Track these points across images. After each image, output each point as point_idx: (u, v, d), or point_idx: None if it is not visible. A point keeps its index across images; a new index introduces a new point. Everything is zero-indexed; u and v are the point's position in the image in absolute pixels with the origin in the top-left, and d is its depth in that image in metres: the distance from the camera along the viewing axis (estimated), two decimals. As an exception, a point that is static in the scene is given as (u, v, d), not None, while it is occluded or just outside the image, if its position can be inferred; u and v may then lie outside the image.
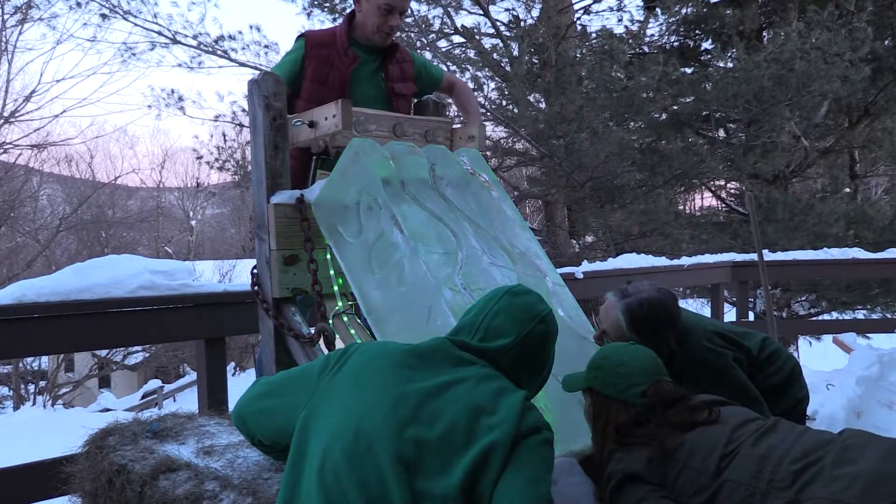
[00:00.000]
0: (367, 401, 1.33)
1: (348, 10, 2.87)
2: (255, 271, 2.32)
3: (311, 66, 2.71)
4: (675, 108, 9.05)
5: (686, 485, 1.49)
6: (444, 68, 9.76)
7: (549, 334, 1.57)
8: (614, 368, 1.71)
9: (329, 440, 1.29)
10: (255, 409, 1.56)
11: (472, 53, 10.14)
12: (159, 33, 10.02)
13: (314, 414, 1.38)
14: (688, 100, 8.82)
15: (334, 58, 2.74)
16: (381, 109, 2.67)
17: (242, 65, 10.11)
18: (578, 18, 10.66)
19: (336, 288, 2.27)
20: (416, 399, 1.32)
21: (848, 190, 10.09)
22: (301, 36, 2.81)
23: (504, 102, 9.67)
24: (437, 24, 10.08)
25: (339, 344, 2.14)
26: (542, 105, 9.76)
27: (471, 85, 9.38)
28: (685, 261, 5.82)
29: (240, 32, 10.21)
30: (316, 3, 9.76)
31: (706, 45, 10.28)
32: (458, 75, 9.83)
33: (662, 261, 5.78)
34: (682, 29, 10.28)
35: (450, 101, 3.26)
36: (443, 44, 10.34)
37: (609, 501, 1.56)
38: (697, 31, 10.27)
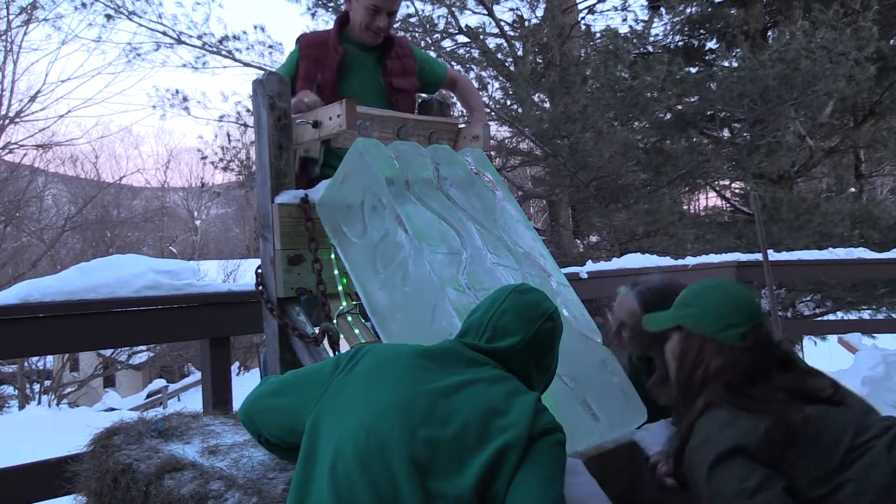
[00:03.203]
0: (379, 402, 1.33)
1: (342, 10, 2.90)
2: (259, 271, 2.32)
3: (303, 66, 2.75)
4: (679, 107, 9.05)
5: (801, 471, 1.29)
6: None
7: (556, 331, 1.57)
8: (711, 305, 1.53)
9: (341, 440, 1.29)
10: (264, 406, 1.56)
11: (476, 53, 10.15)
12: (164, 33, 10.06)
13: (325, 414, 1.38)
14: (692, 99, 8.82)
15: (326, 56, 2.77)
16: (380, 104, 2.70)
17: (247, 65, 10.14)
18: (583, 18, 10.67)
19: (340, 288, 2.27)
20: (429, 400, 1.32)
21: (853, 189, 10.06)
22: (298, 39, 2.85)
23: (508, 102, 9.66)
24: (441, 24, 10.08)
25: (343, 343, 2.14)
26: (547, 105, 9.75)
27: (475, 85, 9.37)
28: (689, 261, 5.81)
29: (244, 32, 10.24)
30: (320, 2, 9.77)
31: (711, 44, 10.27)
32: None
33: (667, 261, 5.77)
34: (686, 28, 10.27)
35: (454, 100, 3.28)
36: (447, 43, 10.35)
37: (695, 467, 1.36)
38: (702, 31, 10.26)
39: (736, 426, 1.33)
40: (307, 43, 2.80)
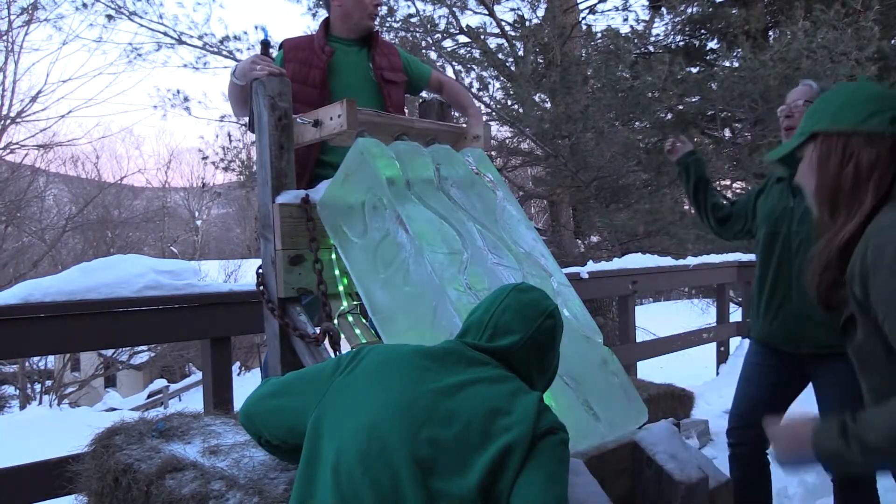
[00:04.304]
0: (381, 402, 1.33)
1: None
2: (260, 271, 2.32)
3: (289, 68, 2.76)
4: (680, 107, 9.05)
5: None
6: (450, 69, 9.81)
7: (557, 330, 1.57)
8: (846, 99, 1.34)
9: (343, 441, 1.30)
10: (265, 407, 1.55)
11: (477, 53, 10.14)
12: (165, 34, 10.06)
13: (326, 414, 1.38)
14: (693, 99, 8.82)
15: (312, 57, 2.80)
16: (372, 97, 2.73)
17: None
18: (584, 18, 10.67)
19: (341, 288, 2.27)
20: (431, 399, 1.32)
21: (854, 189, 10.04)
22: (280, 46, 2.88)
23: (509, 102, 9.66)
24: (442, 24, 10.08)
25: (343, 343, 2.14)
26: (548, 105, 9.75)
27: (476, 85, 9.40)
28: (691, 261, 5.82)
29: (245, 33, 10.28)
30: (321, 3, 9.77)
31: (712, 44, 10.28)
32: (463, 75, 9.86)
33: (668, 261, 5.78)
34: (687, 28, 10.27)
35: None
36: (448, 44, 10.34)
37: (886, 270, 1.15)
38: (703, 31, 10.26)
39: None
40: (292, 47, 2.84)
